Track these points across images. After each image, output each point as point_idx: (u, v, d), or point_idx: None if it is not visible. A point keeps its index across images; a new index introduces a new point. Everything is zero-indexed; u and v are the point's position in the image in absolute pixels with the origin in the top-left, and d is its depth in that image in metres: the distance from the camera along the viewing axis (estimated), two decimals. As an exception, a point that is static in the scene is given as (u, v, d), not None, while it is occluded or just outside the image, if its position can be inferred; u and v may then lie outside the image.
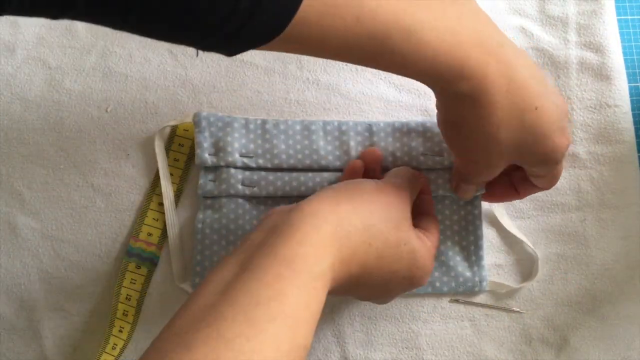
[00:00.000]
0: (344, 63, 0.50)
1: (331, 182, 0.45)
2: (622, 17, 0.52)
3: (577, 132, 0.49)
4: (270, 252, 0.30)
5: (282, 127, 0.46)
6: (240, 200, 0.45)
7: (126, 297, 0.45)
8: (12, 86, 0.48)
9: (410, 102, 0.49)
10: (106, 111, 0.48)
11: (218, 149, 0.45)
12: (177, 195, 0.47)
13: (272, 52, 0.49)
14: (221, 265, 0.31)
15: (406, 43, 0.31)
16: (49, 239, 0.46)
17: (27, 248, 0.46)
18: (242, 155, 0.45)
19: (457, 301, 0.47)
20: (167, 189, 0.46)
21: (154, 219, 0.46)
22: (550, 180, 0.39)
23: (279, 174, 0.45)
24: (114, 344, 0.44)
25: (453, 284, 0.45)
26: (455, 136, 0.38)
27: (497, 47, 0.34)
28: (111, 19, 0.29)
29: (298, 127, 0.46)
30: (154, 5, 0.28)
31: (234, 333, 0.26)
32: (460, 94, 0.33)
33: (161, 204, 0.46)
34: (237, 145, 0.45)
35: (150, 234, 0.46)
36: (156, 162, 0.47)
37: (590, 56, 0.50)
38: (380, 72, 0.49)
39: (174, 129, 0.48)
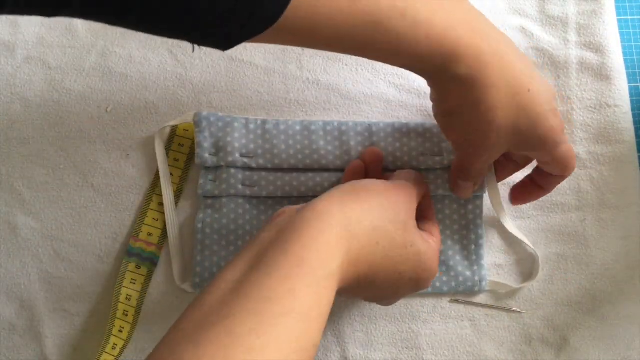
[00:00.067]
0: (344, 63, 0.50)
1: (331, 182, 0.45)
2: (622, 17, 0.52)
3: (577, 132, 0.49)
4: (280, 251, 0.30)
5: (282, 127, 0.46)
6: (240, 200, 0.45)
7: (126, 297, 0.45)
8: (12, 86, 0.48)
9: (410, 102, 0.49)
10: (106, 111, 0.48)
11: (218, 149, 0.45)
12: (177, 195, 0.47)
13: (272, 52, 0.49)
14: (230, 265, 0.31)
15: (400, 22, 0.32)
16: (49, 239, 0.46)
17: (27, 248, 0.46)
18: (242, 155, 0.45)
19: (457, 301, 0.47)
20: (167, 189, 0.46)
21: (154, 219, 0.46)
22: (561, 164, 0.39)
23: (279, 174, 0.45)
24: (114, 344, 0.44)
25: (453, 284, 0.45)
26: (452, 125, 0.38)
27: (487, 31, 0.35)
28: (106, 18, 0.29)
29: (298, 127, 0.46)
30: (149, 2, 0.28)
31: (244, 329, 0.26)
32: (455, 78, 0.34)
33: (161, 204, 0.46)
34: (238, 145, 0.45)
35: (150, 234, 0.46)
36: (156, 162, 0.46)
37: (590, 56, 0.50)
38: (380, 72, 0.49)
39: (174, 129, 0.48)
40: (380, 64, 0.49)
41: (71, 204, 0.47)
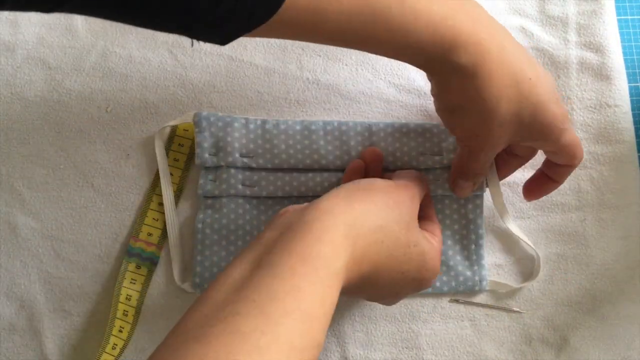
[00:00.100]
0: (344, 63, 0.50)
1: (331, 182, 0.45)
2: (622, 17, 0.52)
3: (577, 132, 0.49)
4: (285, 249, 0.30)
5: (282, 127, 0.46)
6: (240, 200, 0.45)
7: (126, 297, 0.45)
8: (12, 86, 0.48)
9: (410, 102, 0.49)
10: (106, 111, 0.48)
11: (218, 149, 0.45)
12: (177, 195, 0.47)
13: (272, 52, 0.49)
14: (234, 263, 0.31)
15: (400, 11, 0.32)
16: (49, 239, 0.46)
17: (27, 248, 0.46)
18: (242, 155, 0.45)
19: (457, 301, 0.47)
20: (167, 189, 0.46)
21: (154, 219, 0.46)
22: (567, 153, 0.39)
23: (279, 173, 0.45)
24: (114, 344, 0.44)
25: (453, 284, 0.45)
26: (455, 118, 0.38)
27: (486, 21, 0.35)
28: (106, 13, 0.29)
29: (298, 127, 0.46)
30: None
31: (249, 327, 0.26)
32: (456, 67, 0.34)
33: (161, 204, 0.46)
34: (238, 145, 0.45)
35: (150, 234, 0.46)
36: (156, 162, 0.46)
37: (590, 56, 0.50)
38: (380, 72, 0.49)
39: (174, 129, 0.48)
40: (381, 63, 0.49)
41: (71, 204, 0.47)
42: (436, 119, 0.48)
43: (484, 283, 0.46)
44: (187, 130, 0.47)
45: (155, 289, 0.46)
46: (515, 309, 0.46)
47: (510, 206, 0.48)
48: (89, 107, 0.48)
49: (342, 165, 0.45)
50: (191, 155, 0.47)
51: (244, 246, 0.45)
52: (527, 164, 0.44)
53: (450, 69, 0.34)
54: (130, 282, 0.45)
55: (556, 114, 0.36)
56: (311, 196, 0.45)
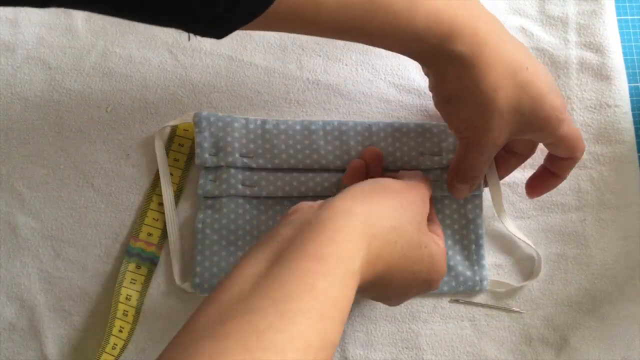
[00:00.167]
0: (344, 63, 0.50)
1: (331, 182, 0.45)
2: (622, 17, 0.52)
3: (577, 132, 0.49)
4: (301, 248, 0.29)
5: (282, 127, 0.46)
6: (240, 200, 0.45)
7: (126, 297, 0.45)
8: (12, 86, 0.48)
9: (410, 102, 0.49)
10: (106, 111, 0.48)
11: (218, 149, 0.45)
12: (177, 195, 0.47)
13: (272, 52, 0.49)
14: (248, 260, 0.30)
15: (398, 0, 0.32)
16: (49, 239, 0.46)
17: (27, 248, 0.46)
18: (242, 155, 0.45)
19: (457, 301, 0.47)
20: (167, 189, 0.46)
21: (154, 219, 0.46)
22: (567, 144, 0.39)
23: (279, 174, 0.45)
24: (114, 344, 0.44)
25: (453, 284, 0.45)
26: (453, 110, 0.37)
27: (481, 13, 0.35)
28: (99, 7, 0.29)
29: (298, 127, 0.46)
30: None
31: (266, 325, 0.25)
32: (453, 58, 0.34)
33: (161, 204, 0.46)
34: (238, 145, 0.45)
35: (150, 234, 0.46)
36: (156, 162, 0.46)
37: (590, 56, 0.50)
38: (380, 72, 0.49)
39: (174, 129, 0.48)
40: (381, 63, 0.49)
41: (71, 204, 0.47)
42: (436, 119, 0.48)
43: (485, 283, 0.46)
44: (187, 130, 0.47)
45: (155, 289, 0.46)
46: (515, 309, 0.46)
47: (510, 206, 0.48)
48: (89, 107, 0.48)
49: (342, 165, 0.45)
50: (191, 155, 0.47)
51: (244, 246, 0.45)
52: (527, 164, 0.44)
53: (447, 59, 0.34)
54: (130, 282, 0.45)
55: (555, 103, 0.36)
56: (311, 196, 0.45)
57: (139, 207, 0.47)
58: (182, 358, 0.25)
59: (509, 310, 0.47)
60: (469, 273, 0.45)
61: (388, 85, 0.49)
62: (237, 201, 0.45)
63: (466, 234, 0.46)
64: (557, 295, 0.47)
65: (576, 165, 0.47)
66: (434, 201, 0.46)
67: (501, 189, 0.45)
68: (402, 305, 0.46)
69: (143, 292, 0.45)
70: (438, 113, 0.40)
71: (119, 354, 0.44)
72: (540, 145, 0.41)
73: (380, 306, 0.46)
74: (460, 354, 0.46)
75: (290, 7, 0.31)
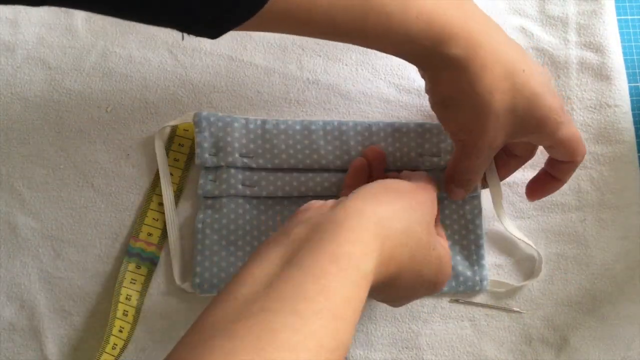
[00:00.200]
0: (344, 63, 0.50)
1: (331, 182, 0.45)
2: (622, 17, 0.52)
3: (577, 132, 0.49)
4: (315, 248, 0.29)
5: (282, 127, 0.46)
6: (240, 200, 0.45)
7: (126, 297, 0.45)
8: (12, 86, 0.48)
9: (410, 102, 0.49)
10: (106, 111, 0.48)
11: (218, 149, 0.45)
12: (177, 195, 0.47)
13: (272, 52, 0.49)
14: (260, 259, 0.30)
15: (391, 2, 0.32)
16: (49, 239, 0.46)
17: (27, 248, 0.46)
18: (242, 155, 0.45)
19: (457, 301, 0.47)
20: (167, 189, 0.46)
21: (154, 219, 0.46)
22: (566, 147, 0.38)
23: (279, 174, 0.45)
24: (114, 344, 0.44)
25: (453, 284, 0.45)
26: (449, 113, 0.37)
27: (477, 14, 0.35)
28: (94, 6, 0.29)
29: (298, 127, 0.46)
30: None
31: (280, 324, 0.25)
32: (447, 60, 0.34)
33: (161, 204, 0.46)
34: (238, 145, 0.45)
35: (150, 234, 0.46)
36: (156, 162, 0.46)
37: (590, 56, 0.50)
38: (380, 72, 0.49)
39: (174, 129, 0.48)
40: (381, 63, 0.49)
41: (71, 204, 0.47)
42: (436, 120, 0.48)
43: (485, 283, 0.46)
44: (187, 130, 0.47)
45: (155, 289, 0.46)
46: (515, 309, 0.46)
47: (510, 206, 0.48)
48: (89, 107, 0.48)
49: (342, 165, 0.45)
50: (191, 155, 0.47)
51: (244, 246, 0.45)
52: (527, 164, 0.44)
53: (442, 62, 0.34)
54: (130, 282, 0.45)
55: (552, 106, 0.36)
56: (311, 196, 0.45)
57: (139, 207, 0.47)
58: (192, 358, 0.25)
59: (509, 310, 0.47)
60: (469, 273, 0.45)
61: (388, 85, 0.49)
62: (237, 201, 0.45)
63: (465, 234, 0.46)
64: (557, 295, 0.47)
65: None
66: None
67: (501, 189, 0.44)
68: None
69: (143, 292, 0.45)
70: None
71: (119, 354, 0.44)
72: (542, 147, 0.41)
73: (381, 306, 0.46)
74: (460, 354, 0.46)
75: (284, 8, 0.31)
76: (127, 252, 0.46)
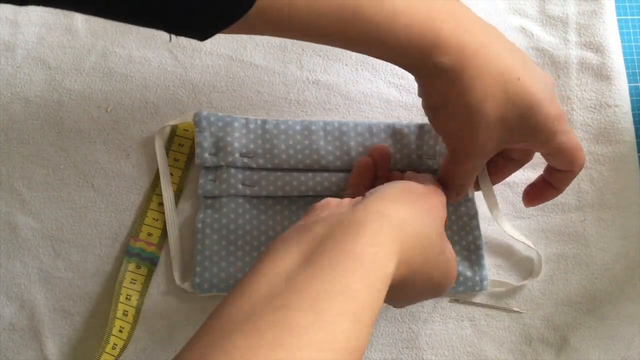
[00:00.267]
0: (344, 63, 0.50)
1: (331, 182, 0.45)
2: (622, 17, 0.52)
3: (577, 132, 0.49)
4: (337, 248, 0.29)
5: (282, 127, 0.46)
6: (240, 200, 0.45)
7: (126, 297, 0.45)
8: (12, 86, 0.48)
9: (410, 102, 0.49)
10: (106, 111, 0.48)
11: (218, 148, 0.45)
12: (177, 195, 0.47)
13: (272, 52, 0.49)
14: (277, 254, 0.29)
15: (379, 11, 0.31)
16: (49, 239, 0.46)
17: (27, 248, 0.46)
18: (242, 155, 0.45)
19: (457, 301, 0.47)
20: (167, 189, 0.46)
21: (154, 219, 0.46)
22: (564, 156, 0.38)
23: (279, 173, 0.45)
24: (114, 344, 0.44)
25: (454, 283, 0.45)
26: (440, 119, 0.37)
27: (471, 22, 0.34)
28: (82, 7, 0.29)
29: (298, 127, 0.46)
30: None
31: (303, 322, 0.25)
32: (438, 70, 0.33)
33: (161, 204, 0.46)
34: (238, 145, 0.45)
35: (150, 234, 0.46)
36: (156, 162, 0.47)
37: (590, 56, 0.50)
38: (380, 72, 0.50)
39: (174, 129, 0.48)
40: (381, 63, 0.49)
41: (71, 204, 0.47)
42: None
43: (485, 283, 0.46)
44: (187, 130, 0.47)
45: (155, 289, 0.46)
46: (515, 309, 0.46)
47: (510, 206, 0.48)
48: (89, 107, 0.48)
49: (342, 166, 0.45)
50: (191, 155, 0.47)
51: (244, 246, 0.45)
52: (527, 165, 0.44)
53: (432, 71, 0.34)
54: (130, 282, 0.45)
55: (548, 114, 0.35)
56: (311, 196, 0.45)
57: (139, 207, 0.47)
58: (213, 352, 0.24)
59: (509, 310, 0.47)
60: (469, 273, 0.45)
61: (388, 85, 0.49)
62: (237, 201, 0.45)
63: (464, 235, 0.46)
64: (557, 295, 0.47)
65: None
66: None
67: (494, 193, 0.43)
68: (402, 305, 0.46)
69: (143, 292, 0.45)
70: None
71: (119, 354, 0.44)
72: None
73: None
74: (460, 354, 0.46)
75: (269, 13, 0.31)
76: (127, 252, 0.46)
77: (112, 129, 0.48)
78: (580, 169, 0.39)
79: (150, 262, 0.46)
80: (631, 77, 0.50)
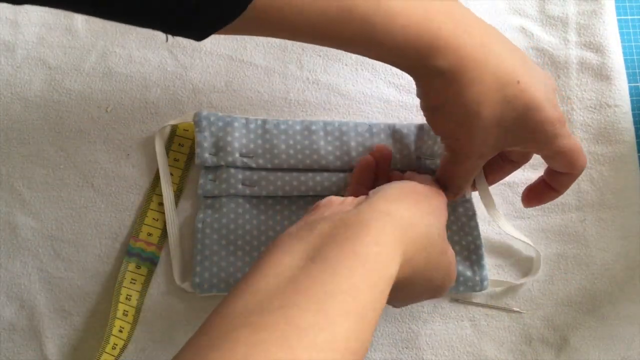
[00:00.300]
0: (344, 63, 0.50)
1: (331, 182, 0.45)
2: (622, 17, 0.52)
3: (577, 132, 0.49)
4: (342, 247, 0.29)
5: (282, 127, 0.46)
6: (240, 200, 0.45)
7: (126, 297, 0.45)
8: (12, 86, 0.48)
9: (410, 102, 0.49)
10: (106, 111, 0.48)
11: (218, 148, 0.45)
12: (177, 195, 0.47)
13: (272, 52, 0.49)
14: (283, 251, 0.29)
15: (375, 12, 0.31)
16: (49, 239, 0.46)
17: (27, 248, 0.46)
18: (242, 155, 0.45)
19: (457, 301, 0.47)
20: (167, 189, 0.46)
21: (154, 219, 0.46)
22: (564, 159, 0.37)
23: (279, 173, 0.45)
24: (114, 344, 0.44)
25: (454, 284, 0.45)
26: (438, 120, 0.37)
27: (470, 23, 0.33)
28: (75, 6, 0.29)
29: (298, 127, 0.46)
30: None
31: (307, 322, 0.25)
32: (436, 72, 0.33)
33: (161, 204, 0.46)
34: (237, 145, 0.45)
35: (150, 234, 0.46)
36: (156, 162, 0.46)
37: (590, 56, 0.50)
38: (380, 72, 0.49)
39: (174, 129, 0.48)
40: (381, 63, 0.49)
41: (71, 204, 0.47)
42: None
43: (485, 283, 0.46)
44: (187, 130, 0.47)
45: (155, 289, 0.46)
46: (515, 309, 0.46)
47: (510, 206, 0.48)
48: (89, 107, 0.48)
49: (342, 166, 0.45)
50: (191, 155, 0.47)
51: (244, 246, 0.45)
52: (527, 165, 0.44)
53: (429, 71, 0.33)
54: (130, 282, 0.45)
55: (548, 118, 0.35)
56: (311, 196, 0.45)
57: (139, 207, 0.47)
58: (215, 347, 0.24)
59: (509, 310, 0.47)
60: (469, 273, 0.45)
61: (388, 85, 0.49)
62: (237, 201, 0.45)
63: (463, 236, 0.46)
64: (557, 295, 0.47)
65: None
66: None
67: (490, 193, 0.43)
68: (402, 305, 0.46)
69: (143, 292, 0.45)
70: None
71: (119, 354, 0.44)
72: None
73: (380, 306, 0.46)
74: (460, 354, 0.46)
75: (266, 13, 0.30)
76: (127, 252, 0.46)
77: (112, 129, 0.48)
78: (580, 172, 0.38)
79: (150, 262, 0.46)
80: (631, 77, 0.50)
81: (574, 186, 0.48)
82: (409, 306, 0.46)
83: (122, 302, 0.45)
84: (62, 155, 0.47)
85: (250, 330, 0.24)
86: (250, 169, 0.45)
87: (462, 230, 0.46)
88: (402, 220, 0.31)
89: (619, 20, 0.51)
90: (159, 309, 0.46)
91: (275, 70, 0.49)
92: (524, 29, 0.51)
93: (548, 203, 0.47)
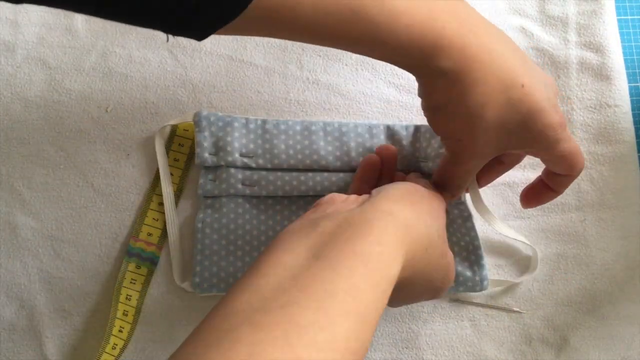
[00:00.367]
0: (344, 63, 0.50)
1: (331, 182, 0.45)
2: (622, 17, 0.52)
3: (577, 132, 0.49)
4: (345, 246, 0.29)
5: (282, 127, 0.46)
6: (240, 200, 0.45)
7: (126, 297, 0.45)
8: (12, 86, 0.48)
9: (410, 102, 0.49)
10: (106, 111, 0.48)
11: (218, 148, 0.45)
12: (177, 195, 0.47)
13: (272, 52, 0.49)
14: (285, 248, 0.29)
15: (379, 11, 0.31)
16: (49, 239, 0.46)
17: (27, 248, 0.46)
18: (242, 155, 0.45)
19: (457, 301, 0.47)
20: (167, 189, 0.46)
21: (154, 219, 0.46)
22: (564, 162, 0.37)
23: (279, 173, 0.45)
24: (114, 344, 0.44)
25: (454, 284, 0.45)
26: (439, 120, 0.36)
27: (476, 23, 0.33)
28: (75, 6, 0.29)
29: (298, 128, 0.46)
30: None
31: (307, 321, 0.25)
32: (439, 72, 0.33)
33: (161, 204, 0.46)
34: (237, 145, 0.45)
35: (150, 234, 0.46)
36: (156, 162, 0.47)
37: (590, 56, 0.50)
38: (380, 72, 0.49)
39: (174, 128, 0.48)
40: (381, 63, 0.49)
41: (71, 204, 0.47)
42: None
43: (485, 283, 0.46)
44: (187, 130, 0.47)
45: (155, 289, 0.46)
46: (515, 309, 0.46)
47: (510, 206, 0.48)
48: (89, 107, 0.48)
49: (342, 166, 0.45)
50: (191, 155, 0.47)
51: (244, 246, 0.45)
52: (527, 165, 0.44)
53: (433, 73, 0.33)
54: (130, 282, 0.45)
55: (550, 123, 0.35)
56: (311, 196, 0.46)
57: (139, 207, 0.47)
58: (216, 345, 0.24)
59: (509, 310, 0.47)
60: (468, 273, 0.45)
61: (388, 85, 0.49)
62: (237, 201, 0.45)
63: (462, 236, 0.46)
64: (557, 295, 0.47)
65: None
66: None
67: (480, 194, 0.43)
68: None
69: (143, 292, 0.45)
70: None
71: (119, 354, 0.44)
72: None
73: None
74: (460, 354, 0.46)
75: (267, 10, 0.30)
76: (127, 252, 0.46)
77: (112, 129, 0.48)
78: (579, 173, 0.38)
79: (150, 262, 0.46)
80: (631, 77, 0.50)
81: (573, 186, 0.48)
82: (409, 306, 0.46)
83: (122, 302, 0.45)
84: (62, 155, 0.47)
85: (251, 329, 0.24)
86: (250, 169, 0.45)
87: (459, 232, 0.46)
88: (405, 220, 0.31)
89: (619, 20, 0.51)
90: (159, 309, 0.46)
91: (275, 70, 0.49)
92: (524, 29, 0.51)
93: (548, 203, 0.47)
